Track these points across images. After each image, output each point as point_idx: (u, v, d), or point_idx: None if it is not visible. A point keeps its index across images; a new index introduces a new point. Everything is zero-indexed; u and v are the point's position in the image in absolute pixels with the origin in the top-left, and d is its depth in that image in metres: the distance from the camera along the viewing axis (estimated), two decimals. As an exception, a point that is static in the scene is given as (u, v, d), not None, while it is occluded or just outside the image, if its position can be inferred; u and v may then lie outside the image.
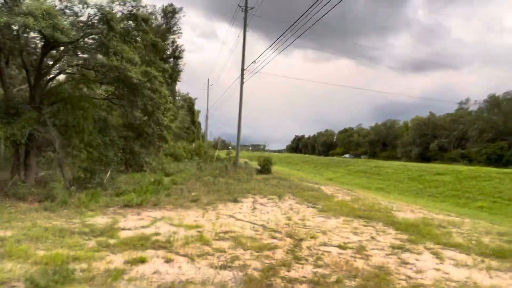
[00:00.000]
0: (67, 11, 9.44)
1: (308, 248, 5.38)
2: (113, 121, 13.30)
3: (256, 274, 4.15)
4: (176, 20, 25.57)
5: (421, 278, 4.33)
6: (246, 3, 23.58)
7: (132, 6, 10.61)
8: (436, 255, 5.39)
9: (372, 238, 6.30)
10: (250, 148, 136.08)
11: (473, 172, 26.04)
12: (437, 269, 4.72)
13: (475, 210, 16.38)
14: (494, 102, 59.63)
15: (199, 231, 6.05)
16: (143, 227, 6.20)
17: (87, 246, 4.87)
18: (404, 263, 4.91)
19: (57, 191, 8.00)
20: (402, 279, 4.25)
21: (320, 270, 4.39)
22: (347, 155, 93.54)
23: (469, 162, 50.40)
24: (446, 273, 4.58)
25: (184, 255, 4.70)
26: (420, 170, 30.67)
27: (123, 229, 5.97)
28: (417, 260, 5.09)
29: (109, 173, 10.58)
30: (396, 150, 78.14)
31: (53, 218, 6.45)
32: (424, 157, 65.52)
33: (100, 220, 6.51)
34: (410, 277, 4.34)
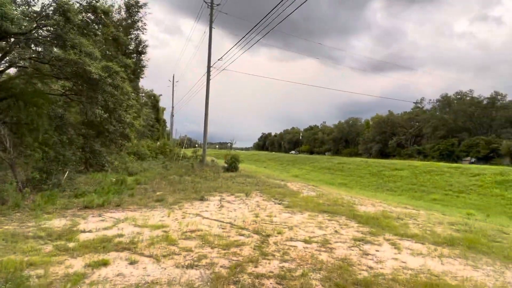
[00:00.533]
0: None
1: (275, 243, 5.46)
2: (71, 119, 12.59)
3: (223, 271, 4.15)
4: (141, 15, 24.63)
5: (381, 268, 4.57)
6: (212, -1, 23.29)
7: (91, -2, 10.12)
8: (395, 245, 5.70)
9: (336, 231, 6.52)
10: (217, 146, 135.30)
11: (427, 167, 27.85)
12: (396, 259, 5.00)
13: (429, 202, 17.55)
14: (445, 102, 64.16)
15: (164, 231, 5.92)
16: (105, 228, 5.95)
17: (43, 250, 4.59)
18: (365, 254, 5.14)
19: (8, 193, 7.44)
20: (363, 270, 4.46)
21: (286, 265, 4.48)
22: (293, 152, 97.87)
23: (424, 158, 53.83)
24: (404, 262, 4.86)
25: (149, 256, 4.59)
26: (380, 166, 32.26)
27: (83, 231, 5.69)
28: (377, 251, 5.36)
29: (67, 173, 10.01)
30: (358, 147, 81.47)
31: (4, 223, 6.00)
32: (383, 154, 68.98)
33: (58, 223, 6.16)
34: (371, 267, 4.56)
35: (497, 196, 18.83)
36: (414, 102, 73.44)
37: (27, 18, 8.57)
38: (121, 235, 5.50)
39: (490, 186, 20.60)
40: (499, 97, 57.40)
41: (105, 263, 4.19)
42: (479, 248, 5.74)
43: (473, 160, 45.51)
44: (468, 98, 60.75)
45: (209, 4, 23.32)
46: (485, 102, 58.40)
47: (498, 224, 9.65)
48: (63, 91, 12.03)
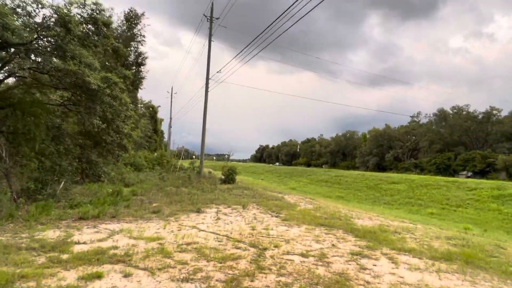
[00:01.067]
0: (19, 10, 8.85)
1: (272, 257, 5.40)
2: (68, 129, 12.57)
3: (219, 285, 4.09)
4: (140, 27, 24.99)
5: (378, 283, 4.52)
6: (211, 13, 23.69)
7: (92, 10, 10.23)
8: (392, 260, 5.65)
9: (333, 245, 6.47)
10: (215, 158, 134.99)
11: (424, 181, 27.87)
12: (393, 273, 4.95)
13: (426, 216, 17.49)
14: (442, 116, 64.71)
15: (160, 243, 5.85)
16: (99, 240, 5.87)
17: (36, 262, 4.51)
18: (362, 268, 5.09)
19: (2, 203, 7.35)
20: (360, 284, 4.41)
21: (283, 279, 4.42)
22: (277, 164, 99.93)
23: (420, 172, 53.93)
24: (401, 277, 4.82)
25: (144, 269, 4.52)
26: (377, 179, 32.26)
27: (78, 243, 5.61)
28: (375, 265, 5.31)
29: (62, 183, 9.93)
30: (355, 160, 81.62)
31: (-3, 233, 5.91)
32: (380, 167, 69.09)
33: (52, 234, 6.07)
34: (368, 282, 4.51)
35: (494, 211, 18.82)
36: (410, 116, 74.14)
37: (28, 29, 8.64)
38: (115, 247, 5.42)
39: (487, 200, 20.62)
40: (494, 112, 58.03)
41: (99, 276, 4.12)
42: (476, 263, 5.70)
43: (469, 174, 45.63)
44: (464, 112, 61.37)
45: (209, 18, 23.68)
46: (480, 116, 58.99)
47: (495, 239, 9.61)
48: (61, 101, 12.04)
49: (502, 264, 5.75)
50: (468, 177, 42.33)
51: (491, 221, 17.26)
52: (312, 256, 5.60)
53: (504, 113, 57.25)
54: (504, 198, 20.12)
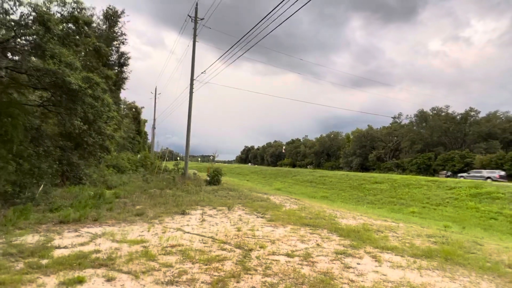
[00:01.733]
0: (-4, 8, 8.56)
1: (257, 258, 5.41)
2: (48, 130, 12.20)
3: (204, 287, 4.06)
4: (121, 25, 24.51)
5: (362, 281, 4.60)
6: (196, 13, 23.55)
7: (73, 8, 9.99)
8: (375, 258, 5.76)
9: (318, 245, 6.54)
10: (200, 159, 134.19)
11: (406, 181, 28.52)
12: (376, 271, 5.05)
13: (408, 215, 17.90)
14: (422, 117, 66.36)
15: (144, 246, 5.76)
16: (81, 244, 5.73)
17: (14, 268, 4.36)
18: (347, 267, 5.17)
19: (-23, 208, 7.06)
20: (345, 283, 4.47)
21: (268, 280, 4.44)
22: (250, 163, 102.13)
23: (402, 171, 55.19)
24: (384, 275, 4.92)
25: (128, 273, 4.44)
26: (361, 179, 32.79)
27: (58, 247, 5.45)
28: (359, 264, 5.40)
29: (42, 186, 9.63)
30: (339, 160, 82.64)
31: (-28, 239, 5.68)
32: (364, 167, 70.24)
33: (31, 239, 5.88)
34: (352, 281, 4.58)
35: (471, 209, 19.45)
36: (392, 117, 75.46)
37: (4, 27, 8.36)
38: (98, 251, 5.31)
39: (465, 199, 21.29)
40: (472, 113, 59.95)
41: (80, 281, 4.02)
42: (455, 260, 5.89)
43: (449, 173, 47.00)
44: (443, 113, 63.16)
45: (193, 19, 23.53)
46: (458, 117, 60.86)
47: (473, 236, 9.95)
48: (40, 101, 11.68)
49: (479, 260, 5.97)
50: (448, 176, 43.60)
51: (469, 219, 17.84)
52: (297, 256, 5.65)
53: (482, 115, 59.37)
54: (481, 197, 20.84)
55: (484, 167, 42.59)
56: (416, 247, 6.73)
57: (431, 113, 65.03)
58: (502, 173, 34.33)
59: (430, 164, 55.05)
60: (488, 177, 33.31)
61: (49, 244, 5.59)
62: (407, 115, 72.56)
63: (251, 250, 5.88)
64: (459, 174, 40.34)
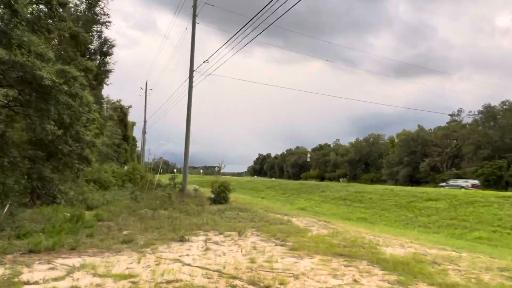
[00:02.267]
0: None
1: (277, 297, 5.38)
2: (14, 137, 12.57)
3: (209, 335, 4.06)
4: (103, 4, 25.03)
5: (414, 329, 4.50)
6: (195, -12, 23.90)
7: (45, -14, 10.33)
8: (431, 298, 5.63)
9: (355, 281, 6.45)
10: (202, 171, 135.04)
11: (469, 197, 27.87)
12: (432, 316, 4.93)
13: (472, 242, 17.47)
14: (490, 114, 64.89)
15: (133, 282, 5.81)
16: (55, 279, 5.83)
17: (-27, 309, 4.47)
18: (393, 310, 5.07)
19: None
20: (391, 331, 4.39)
21: (292, 326, 4.40)
22: (255, 176, 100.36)
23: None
24: (443, 321, 4.80)
25: (113, 315, 4.48)
26: (410, 195, 32.26)
27: (27, 283, 5.56)
28: (409, 306, 5.29)
29: (7, 207, 9.89)
30: (381, 171, 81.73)
31: None
32: (413, 180, 69.21)
33: (-7, 273, 6.03)
34: (401, 328, 4.49)
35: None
36: (449, 115, 74.22)
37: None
38: (76, 288, 5.39)
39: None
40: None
41: (54, 326, 4.08)
42: (539, 301, 5.69)
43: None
44: (517, 109, 61.74)
45: (192, -6, 23.89)
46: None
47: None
48: (5, 101, 12.06)
49: None
50: (526, 191, 42.47)
51: (556, 247, 17.25)
52: (329, 295, 5.58)
53: None
54: None
55: None
56: (484, 284, 6.55)
57: (501, 109, 63.60)
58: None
59: (502, 175, 53.72)
60: (462, 187, 37.41)
61: (16, 279, 5.71)
62: (470, 112, 70.94)
63: (268, 287, 5.85)
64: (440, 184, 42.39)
